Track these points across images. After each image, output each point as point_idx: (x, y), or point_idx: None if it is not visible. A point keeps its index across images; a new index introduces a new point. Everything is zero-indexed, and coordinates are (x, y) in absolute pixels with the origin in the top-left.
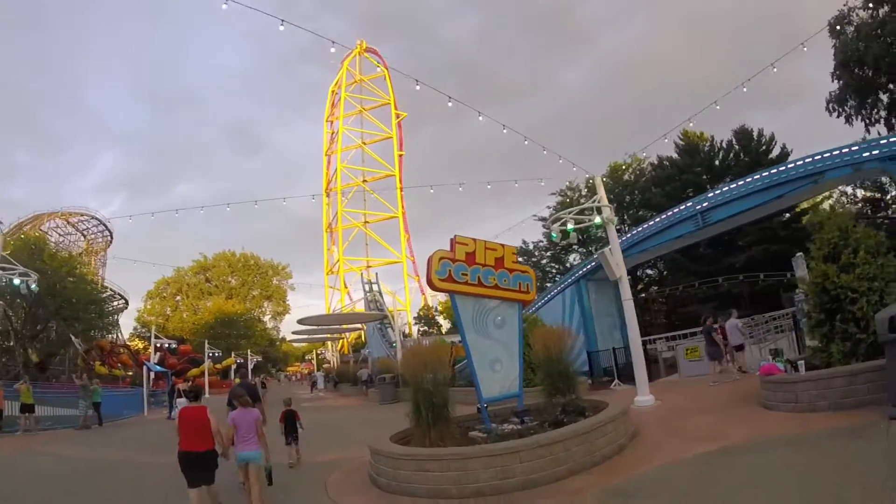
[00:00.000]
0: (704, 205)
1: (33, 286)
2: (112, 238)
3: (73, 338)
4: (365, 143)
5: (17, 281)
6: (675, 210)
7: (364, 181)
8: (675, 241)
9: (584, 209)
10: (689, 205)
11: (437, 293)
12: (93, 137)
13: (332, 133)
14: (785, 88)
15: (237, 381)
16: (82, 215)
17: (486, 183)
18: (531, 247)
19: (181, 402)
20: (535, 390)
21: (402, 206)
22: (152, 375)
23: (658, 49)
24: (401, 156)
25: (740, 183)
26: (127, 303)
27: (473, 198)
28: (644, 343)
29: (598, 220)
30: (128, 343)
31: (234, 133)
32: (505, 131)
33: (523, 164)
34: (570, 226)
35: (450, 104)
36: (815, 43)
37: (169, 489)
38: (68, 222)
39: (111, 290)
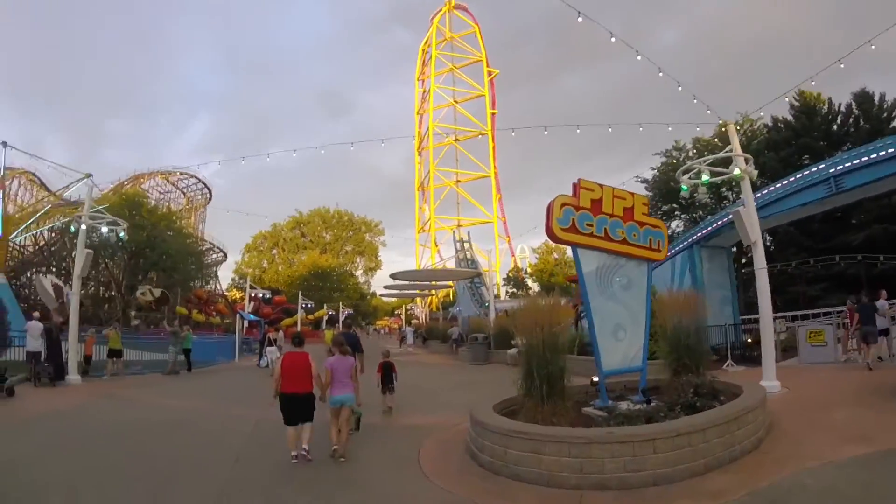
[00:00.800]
0: (839, 167)
1: (122, 234)
2: (211, 195)
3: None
4: (457, 102)
5: (104, 229)
6: (805, 173)
7: (456, 140)
8: (802, 209)
9: (718, 160)
10: (820, 167)
11: (525, 256)
12: (190, 104)
13: (424, 92)
14: None
15: (333, 331)
16: (181, 174)
17: (606, 125)
18: None
19: (271, 351)
20: (656, 365)
21: (494, 166)
22: (246, 324)
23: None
24: (493, 114)
25: (879, 144)
26: (225, 256)
27: (567, 160)
28: (749, 321)
29: (737, 171)
30: (225, 293)
31: (326, 96)
32: (661, 74)
33: (624, 127)
34: (704, 177)
35: (613, 40)
36: None
37: (243, 445)
38: (168, 181)
39: (210, 243)
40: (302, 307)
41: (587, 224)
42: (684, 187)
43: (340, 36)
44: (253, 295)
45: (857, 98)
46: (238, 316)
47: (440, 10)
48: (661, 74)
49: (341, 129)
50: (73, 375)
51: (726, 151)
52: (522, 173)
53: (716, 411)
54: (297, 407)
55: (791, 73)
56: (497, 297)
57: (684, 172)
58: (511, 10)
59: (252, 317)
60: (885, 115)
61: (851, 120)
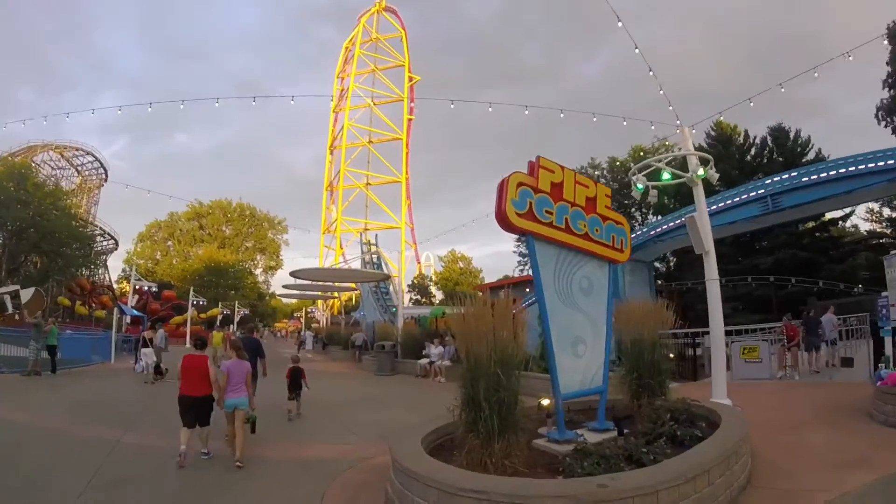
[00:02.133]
0: (777, 188)
1: None
2: (107, 177)
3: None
4: (374, 104)
5: None
6: (742, 190)
7: (370, 142)
8: (736, 225)
9: (674, 160)
10: (758, 186)
11: (430, 265)
12: (99, 80)
13: (342, 90)
14: (818, 100)
15: (223, 333)
16: (77, 149)
17: (558, 111)
18: None
19: (146, 354)
20: (612, 385)
21: (406, 172)
22: (127, 319)
23: (680, 50)
24: (410, 120)
25: (811, 168)
26: (117, 244)
27: (476, 174)
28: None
29: (700, 171)
30: (112, 285)
31: (241, 87)
32: (527, 112)
33: (535, 144)
34: (665, 175)
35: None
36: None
37: (83, 482)
38: (63, 156)
39: (101, 228)
40: (193, 304)
41: (546, 211)
42: (639, 186)
43: (263, 26)
44: (138, 287)
45: (773, 132)
46: (117, 310)
47: (369, 11)
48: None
49: (255, 121)
50: None
51: (683, 151)
52: (432, 183)
53: (712, 445)
54: (195, 409)
55: (707, 103)
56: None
57: (640, 170)
58: (440, 20)
59: (135, 312)
60: (799, 149)
61: (766, 151)
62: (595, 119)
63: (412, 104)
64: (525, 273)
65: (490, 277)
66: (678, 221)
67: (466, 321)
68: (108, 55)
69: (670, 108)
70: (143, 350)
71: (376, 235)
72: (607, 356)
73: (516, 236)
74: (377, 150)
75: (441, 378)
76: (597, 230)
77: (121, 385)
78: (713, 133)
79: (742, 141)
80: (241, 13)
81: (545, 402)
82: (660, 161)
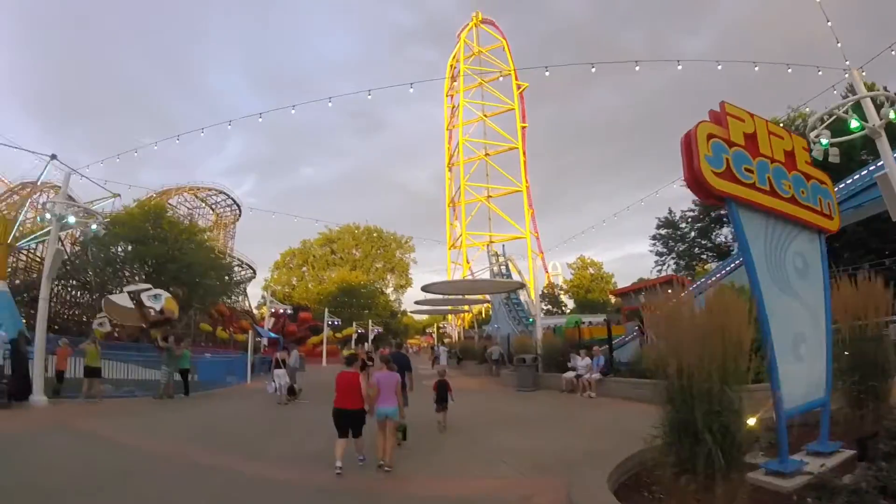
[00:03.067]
0: None
1: (94, 228)
2: (241, 212)
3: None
4: (486, 116)
5: (94, 227)
6: None
7: (486, 154)
8: None
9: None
10: None
11: (557, 273)
12: (222, 125)
13: (453, 107)
14: None
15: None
16: (209, 189)
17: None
18: (677, 217)
19: (279, 375)
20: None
21: (526, 180)
22: (264, 342)
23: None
24: (524, 128)
25: None
26: (254, 272)
27: (592, 175)
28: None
29: (892, 114)
30: (252, 310)
31: (354, 115)
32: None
33: (652, 137)
34: (854, 123)
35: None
36: None
37: None
38: (196, 196)
39: (239, 260)
40: (328, 325)
41: (746, 169)
42: (823, 142)
43: (367, 55)
44: (274, 311)
45: None
46: (253, 332)
47: (467, 26)
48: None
49: (371, 147)
50: (37, 395)
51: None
52: (552, 189)
53: None
54: (348, 421)
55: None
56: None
57: (820, 122)
58: (538, 22)
59: (271, 334)
60: None
61: None
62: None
63: (523, 111)
64: (663, 273)
65: (623, 282)
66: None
67: (676, 320)
68: (223, 98)
69: (838, 44)
70: (277, 371)
71: (503, 246)
72: (829, 357)
73: (655, 231)
74: (494, 162)
75: (591, 393)
76: (802, 192)
77: (252, 406)
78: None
79: None
80: (340, 47)
81: (751, 420)
82: (839, 109)
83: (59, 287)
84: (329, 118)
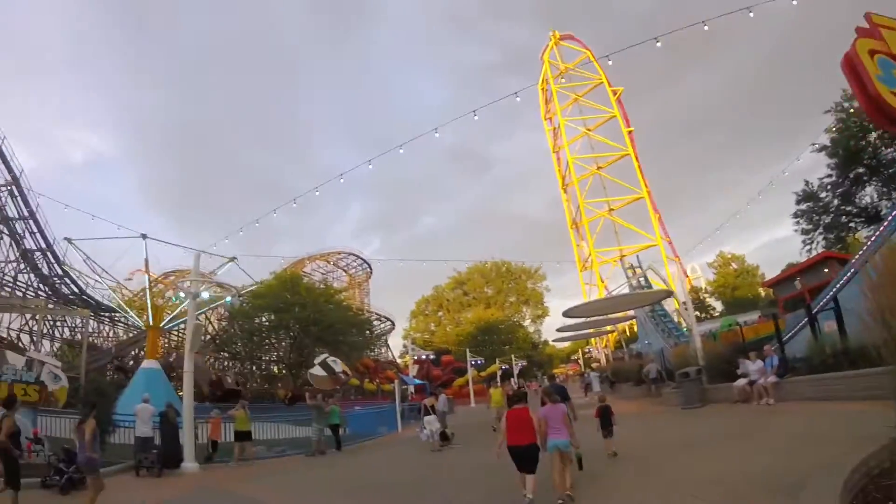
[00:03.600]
0: None
1: (228, 300)
2: (371, 270)
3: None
4: (589, 130)
5: (228, 299)
6: None
7: (598, 168)
8: None
9: None
10: None
11: (697, 276)
12: (340, 190)
13: (554, 129)
14: None
15: (501, 389)
16: (339, 253)
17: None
18: (815, 187)
19: (429, 421)
20: None
21: (646, 185)
22: (410, 389)
23: None
24: (630, 132)
25: None
26: (393, 324)
27: (714, 163)
28: None
29: None
30: (396, 360)
31: (461, 157)
32: None
33: (765, 110)
34: None
35: None
36: None
37: None
38: (328, 262)
39: (377, 314)
40: (471, 364)
41: None
42: None
43: (459, 99)
44: (417, 358)
45: None
46: (398, 381)
47: (547, 46)
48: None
49: (484, 186)
50: (189, 462)
51: None
52: (673, 189)
53: None
54: (523, 457)
55: None
56: (679, 324)
57: None
58: (617, 25)
59: (416, 381)
60: None
61: None
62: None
63: (626, 116)
64: (812, 253)
65: (770, 272)
66: None
67: None
68: (335, 167)
69: None
70: (427, 418)
71: (637, 257)
72: None
73: (795, 208)
74: (608, 173)
75: (769, 400)
76: None
77: (404, 455)
78: None
79: None
80: (434, 95)
81: None
82: None
83: (213, 360)
84: (438, 166)
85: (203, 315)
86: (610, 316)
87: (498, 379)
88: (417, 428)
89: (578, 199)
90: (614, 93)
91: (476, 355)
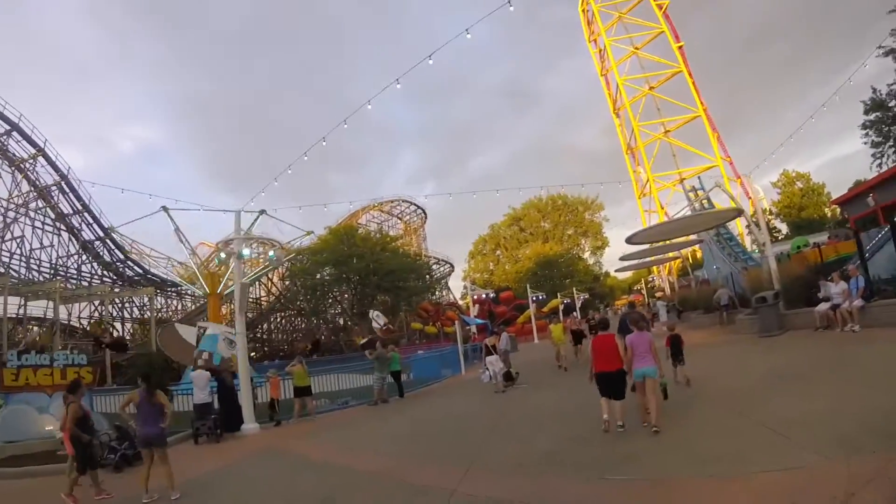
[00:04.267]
0: None
1: (271, 254)
2: (426, 215)
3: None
4: (637, 48)
5: (272, 254)
6: None
7: (651, 88)
8: None
9: None
10: None
11: (761, 198)
12: (392, 142)
13: (600, 51)
14: None
15: (563, 325)
16: (392, 201)
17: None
18: (883, 94)
19: (491, 362)
20: None
21: (701, 102)
22: (472, 329)
23: None
24: (680, 47)
25: None
26: (452, 266)
27: (773, 78)
28: None
29: None
30: (457, 302)
31: (510, 96)
32: None
33: (825, 19)
34: None
35: None
36: None
37: None
38: (382, 211)
39: (434, 258)
40: (532, 300)
41: None
42: None
43: (499, 35)
44: (476, 297)
45: None
46: (459, 322)
47: None
48: None
49: (535, 120)
50: (249, 424)
51: None
52: (731, 106)
53: None
54: (610, 383)
55: None
56: (744, 248)
57: None
58: None
59: (478, 321)
60: None
61: None
62: None
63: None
64: (884, 168)
65: (836, 191)
66: None
67: None
68: (389, 124)
69: None
70: (489, 358)
71: (699, 179)
72: None
73: (863, 119)
74: (661, 93)
75: (854, 326)
76: None
77: (468, 399)
78: None
79: None
80: (476, 36)
81: None
82: None
83: (281, 319)
84: (487, 107)
85: (266, 276)
86: (674, 241)
87: (560, 314)
88: (480, 369)
89: (632, 122)
90: (660, 6)
91: (537, 291)
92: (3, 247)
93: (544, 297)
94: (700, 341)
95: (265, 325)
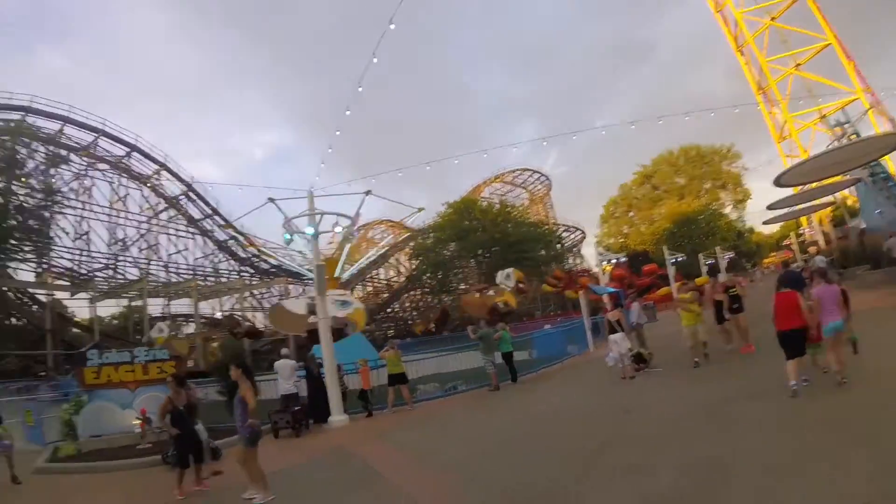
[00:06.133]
0: None
1: (338, 229)
2: (550, 182)
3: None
4: None
5: (338, 228)
6: None
7: (772, 19)
8: None
9: None
10: None
11: None
12: (505, 112)
13: None
14: None
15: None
16: (514, 172)
17: None
18: None
19: (615, 340)
20: None
21: (829, 29)
22: (606, 299)
23: None
24: None
25: None
26: (584, 234)
27: None
28: None
29: None
30: (589, 270)
31: (620, 50)
32: None
33: None
34: None
35: None
36: None
37: None
38: (505, 182)
39: (563, 226)
40: (671, 263)
41: None
42: None
43: None
44: (606, 263)
45: None
46: (585, 290)
47: None
48: None
49: (652, 72)
50: (336, 416)
51: None
52: (862, 31)
53: None
54: (791, 341)
55: None
56: None
57: None
58: None
59: (608, 289)
60: None
61: None
62: None
63: None
64: None
65: None
66: None
67: None
68: (499, 101)
69: None
70: (612, 337)
71: (845, 111)
72: None
73: None
74: (783, 22)
75: None
76: None
77: (587, 388)
78: None
79: None
80: None
81: None
82: None
83: (415, 296)
84: (601, 64)
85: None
86: (825, 183)
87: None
88: (606, 350)
89: (759, 58)
90: None
91: (676, 252)
92: (142, 255)
93: (684, 258)
94: (872, 305)
95: (396, 305)
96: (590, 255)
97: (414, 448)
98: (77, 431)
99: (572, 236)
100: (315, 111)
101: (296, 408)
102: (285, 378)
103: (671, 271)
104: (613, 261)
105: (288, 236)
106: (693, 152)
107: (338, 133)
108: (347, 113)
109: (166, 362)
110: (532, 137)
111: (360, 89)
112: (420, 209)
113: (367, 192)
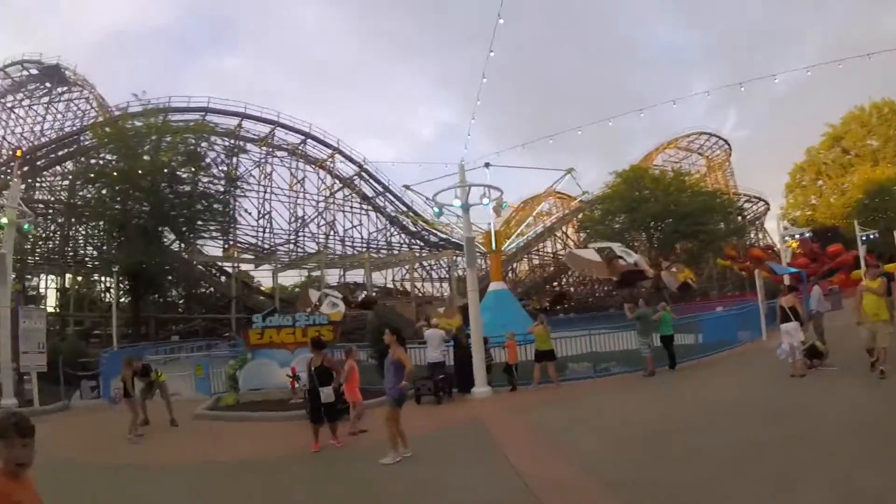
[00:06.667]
0: None
1: (486, 203)
2: (730, 147)
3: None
4: None
5: (486, 202)
6: None
7: None
8: None
9: None
10: None
11: None
12: (675, 72)
13: None
14: None
15: None
16: (689, 136)
17: None
18: None
19: (787, 331)
20: None
21: None
22: (787, 281)
23: None
24: None
25: None
26: (768, 205)
27: None
28: None
29: None
30: (772, 246)
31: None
32: None
33: None
34: None
35: None
36: None
37: None
38: (679, 148)
39: (745, 196)
40: (862, 241)
41: None
42: None
43: None
44: (791, 238)
45: None
46: (760, 270)
47: None
48: None
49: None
50: (479, 388)
51: None
52: None
53: None
54: None
55: None
56: None
57: None
58: None
59: (790, 269)
60: None
61: None
62: None
63: None
64: None
65: None
66: None
67: None
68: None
69: None
70: (784, 327)
71: None
72: None
73: None
74: None
75: None
76: None
77: (752, 383)
78: None
79: None
80: None
81: None
82: None
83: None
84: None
85: (563, 230)
86: None
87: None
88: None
89: None
90: None
91: (867, 228)
92: (320, 231)
93: (876, 235)
94: None
95: (563, 279)
96: (772, 229)
97: (549, 429)
98: (239, 384)
99: (754, 207)
100: (474, 85)
101: (440, 376)
102: (434, 347)
103: (862, 251)
104: (797, 236)
105: (437, 210)
106: (886, 108)
107: (478, 102)
108: (484, 80)
109: (324, 326)
110: (706, 98)
111: (492, 54)
112: (569, 170)
113: (487, 165)
